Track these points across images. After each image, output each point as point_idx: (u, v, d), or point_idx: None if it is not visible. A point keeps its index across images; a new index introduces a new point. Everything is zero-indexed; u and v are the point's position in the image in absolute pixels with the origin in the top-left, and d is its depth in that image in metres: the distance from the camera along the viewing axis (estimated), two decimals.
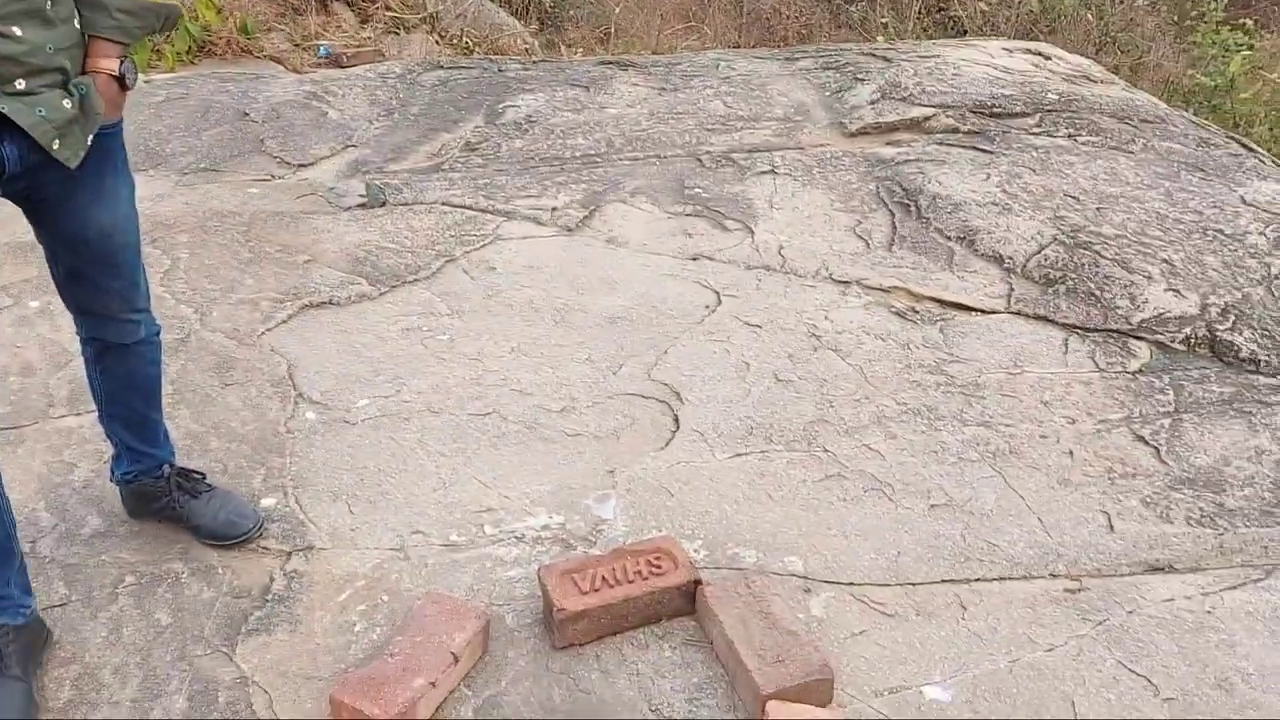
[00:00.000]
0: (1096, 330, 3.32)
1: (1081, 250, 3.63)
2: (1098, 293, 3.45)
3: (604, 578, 2.17)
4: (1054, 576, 2.36)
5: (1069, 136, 4.56)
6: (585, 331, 3.29)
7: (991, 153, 4.42)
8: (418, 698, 1.91)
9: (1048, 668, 2.12)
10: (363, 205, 4.15)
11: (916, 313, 3.42)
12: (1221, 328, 3.25)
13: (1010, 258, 3.68)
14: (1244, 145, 4.70)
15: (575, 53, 8.03)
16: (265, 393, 2.94)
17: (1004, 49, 5.90)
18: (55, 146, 1.84)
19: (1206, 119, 5.77)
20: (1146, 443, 2.81)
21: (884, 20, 9.20)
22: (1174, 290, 3.40)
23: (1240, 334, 3.22)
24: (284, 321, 3.29)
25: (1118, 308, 3.39)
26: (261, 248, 3.74)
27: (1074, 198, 4.00)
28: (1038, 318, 3.39)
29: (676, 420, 2.88)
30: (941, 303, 3.47)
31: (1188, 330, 3.26)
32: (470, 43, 7.96)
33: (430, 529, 2.46)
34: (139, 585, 2.27)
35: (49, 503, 2.49)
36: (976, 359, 3.17)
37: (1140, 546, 2.45)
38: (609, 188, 4.26)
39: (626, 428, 2.84)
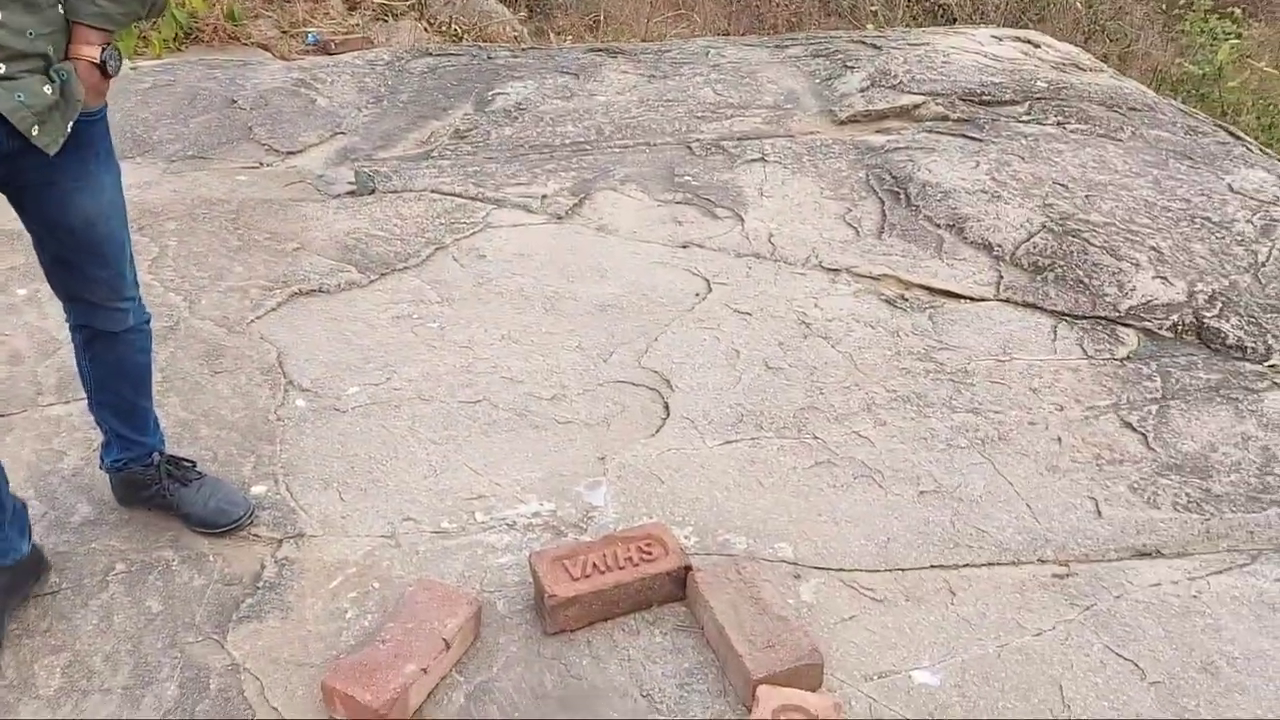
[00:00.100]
0: (1085, 317, 3.34)
1: (1070, 238, 3.64)
2: (1086, 280, 3.47)
3: (595, 564, 2.18)
4: (1042, 562, 2.38)
5: (1058, 124, 4.57)
6: (576, 319, 3.29)
7: (981, 140, 4.43)
8: (410, 684, 1.92)
9: (1036, 652, 2.13)
10: (352, 193, 4.14)
11: (906, 300, 3.43)
12: (1209, 315, 3.27)
13: (999, 245, 3.69)
14: (1232, 133, 4.72)
15: (564, 40, 8.01)
16: (255, 380, 2.93)
17: (993, 36, 5.90)
18: (34, 133, 1.83)
19: (1194, 107, 5.78)
20: (1134, 429, 2.83)
21: (873, 8, 9.20)
22: (1162, 278, 3.42)
23: (1227, 321, 3.24)
24: (273, 309, 3.28)
25: (1106, 295, 3.40)
26: (250, 235, 3.73)
27: (1063, 185, 4.01)
28: (1026, 305, 3.41)
29: (667, 407, 2.88)
30: (931, 290, 3.48)
31: (1175, 317, 3.28)
32: (459, 30, 7.93)
33: (421, 516, 2.46)
34: (129, 573, 2.27)
35: (38, 490, 2.48)
36: (966, 346, 3.18)
37: (1127, 532, 2.47)
38: (599, 175, 4.26)
39: (617, 415, 2.85)
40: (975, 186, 4.02)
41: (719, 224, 3.89)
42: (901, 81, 5.02)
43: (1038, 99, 4.80)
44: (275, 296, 3.34)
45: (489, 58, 5.71)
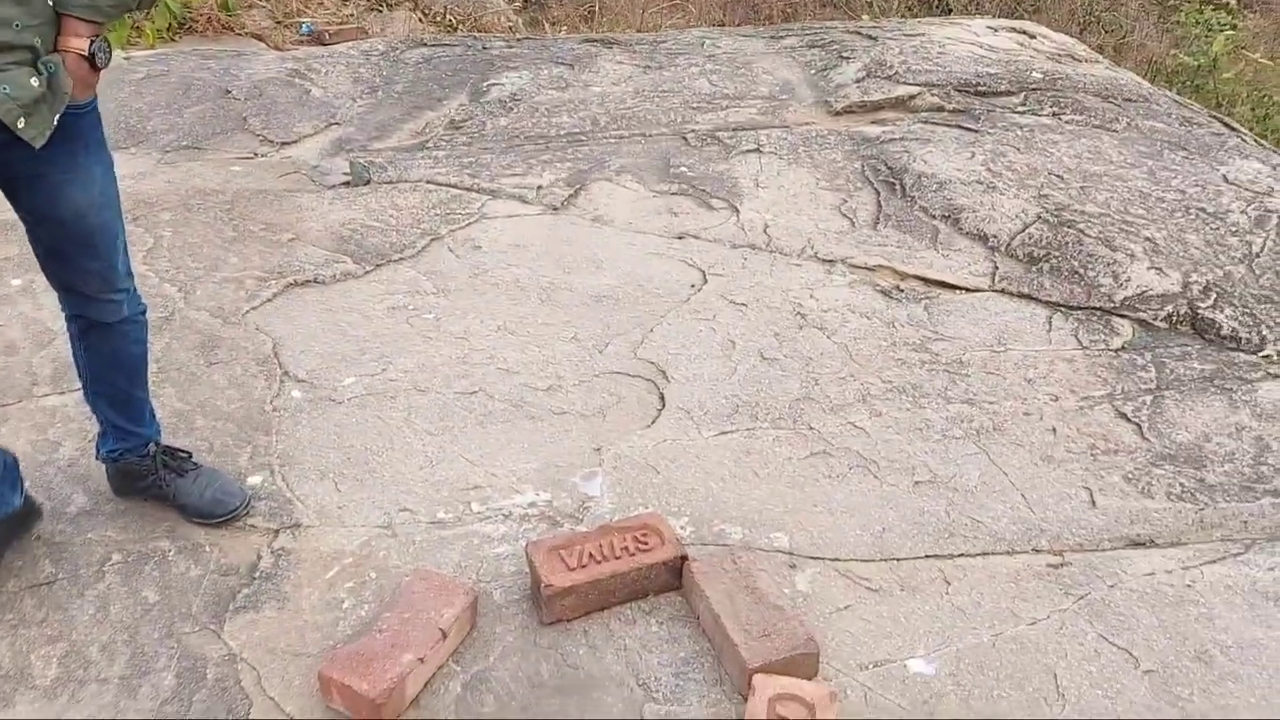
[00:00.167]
0: (1080, 308, 3.34)
1: (1065, 228, 3.65)
2: (1081, 271, 3.47)
3: (591, 554, 2.18)
4: (1037, 551, 2.39)
5: (1053, 115, 4.58)
6: (571, 310, 3.29)
7: (976, 131, 4.43)
8: (406, 673, 1.92)
9: (1030, 641, 2.14)
10: (347, 183, 4.13)
11: (901, 291, 3.43)
12: (1203, 305, 3.27)
13: (995, 236, 3.69)
14: (1226, 124, 4.72)
15: (559, 30, 7.99)
16: (251, 371, 2.93)
17: (989, 27, 5.90)
18: (20, 125, 1.82)
19: (1189, 99, 5.79)
20: (1129, 419, 2.84)
21: None
22: (1156, 268, 3.42)
23: (1221, 312, 3.24)
24: (269, 300, 3.28)
25: (1101, 286, 3.41)
26: (245, 226, 3.72)
27: (1058, 176, 4.01)
28: (1022, 296, 3.41)
29: (662, 398, 2.88)
30: (926, 281, 3.49)
31: (1170, 308, 3.29)
32: (454, 20, 7.91)
33: (418, 507, 2.46)
34: (126, 563, 2.27)
35: (34, 481, 2.47)
36: (961, 337, 3.19)
37: (1122, 521, 2.48)
38: (594, 166, 4.25)
39: (613, 406, 2.85)
40: (970, 177, 4.02)
41: (714, 215, 3.89)
42: (897, 72, 5.02)
43: (1033, 90, 4.81)
44: (270, 287, 3.34)
45: (484, 48, 5.70)
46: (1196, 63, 7.49)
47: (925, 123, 4.56)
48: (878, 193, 4.02)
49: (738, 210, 3.91)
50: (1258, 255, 3.54)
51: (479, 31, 7.52)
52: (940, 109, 4.69)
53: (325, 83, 5.19)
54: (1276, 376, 3.03)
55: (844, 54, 5.35)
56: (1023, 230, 3.68)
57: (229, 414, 2.75)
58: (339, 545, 2.34)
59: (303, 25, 7.20)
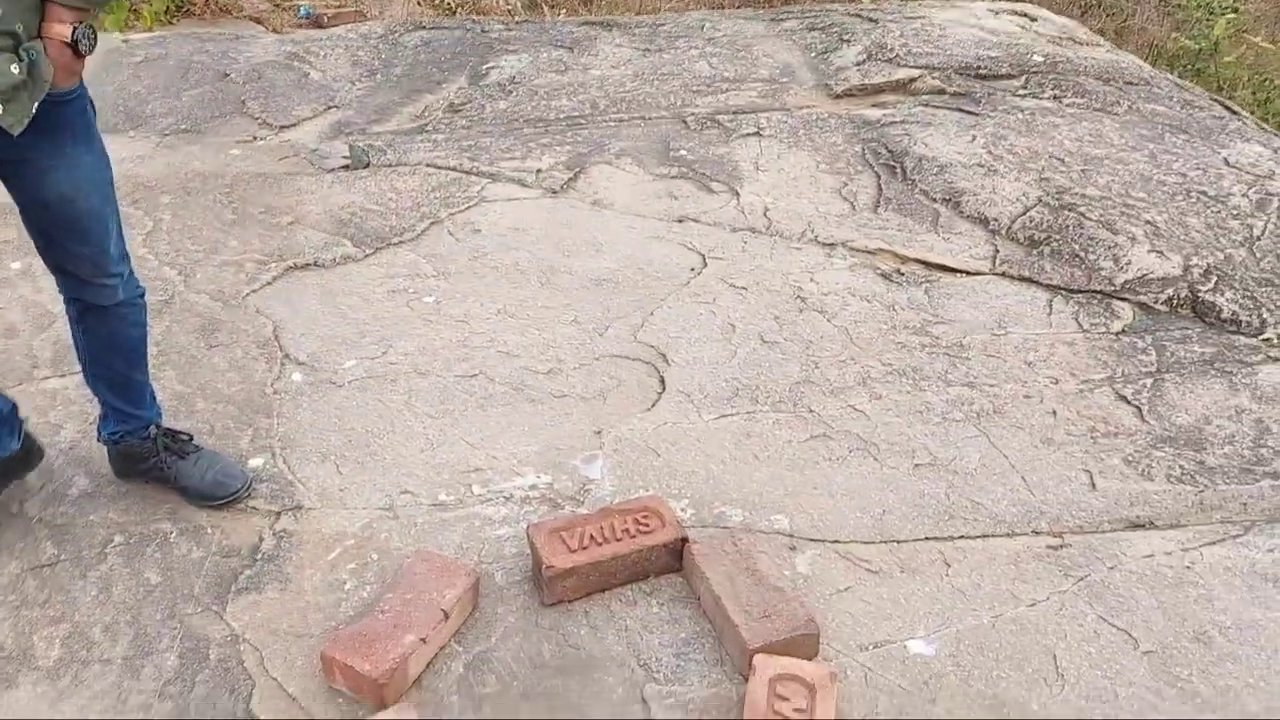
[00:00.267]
0: (1080, 291, 3.34)
1: (1066, 212, 3.64)
2: (1082, 254, 3.47)
3: (592, 536, 2.18)
4: (1037, 533, 2.39)
5: (1054, 98, 4.56)
6: (571, 294, 3.29)
7: (977, 114, 4.42)
8: (409, 653, 1.93)
9: (1030, 622, 2.15)
10: (346, 167, 4.12)
11: (902, 274, 3.43)
12: (1204, 289, 3.27)
13: (995, 219, 3.69)
14: (1228, 108, 4.71)
15: (559, 13, 7.95)
16: (251, 354, 2.93)
17: (990, 10, 5.88)
18: None
19: (1191, 82, 5.77)
20: (1129, 402, 2.84)
21: None
22: (1157, 251, 3.42)
23: (1222, 295, 3.24)
24: (269, 283, 3.28)
25: (1101, 269, 3.40)
26: (245, 209, 3.71)
27: (1059, 159, 4.00)
28: (1022, 279, 3.41)
29: (663, 382, 2.89)
30: (927, 264, 3.49)
31: (1170, 291, 3.29)
32: (452, 3, 7.88)
33: (419, 489, 2.46)
34: (128, 545, 2.27)
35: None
36: (961, 320, 3.19)
37: (1122, 504, 2.49)
38: (594, 150, 4.24)
39: (613, 389, 2.85)
40: (971, 160, 4.01)
41: (714, 198, 3.88)
42: (898, 55, 5.00)
43: (1034, 73, 4.79)
44: (270, 270, 3.33)
45: (483, 31, 5.67)
46: (1198, 46, 7.46)
47: (926, 106, 4.55)
48: (878, 176, 4.02)
49: (738, 194, 3.90)
50: (1258, 238, 3.53)
51: (478, 14, 7.49)
52: (941, 92, 4.68)
53: (324, 66, 5.17)
54: (1276, 359, 3.04)
55: (844, 37, 5.34)
56: (1023, 213, 3.68)
57: (230, 397, 2.75)
58: (341, 527, 2.34)
59: (301, 8, 7.17)
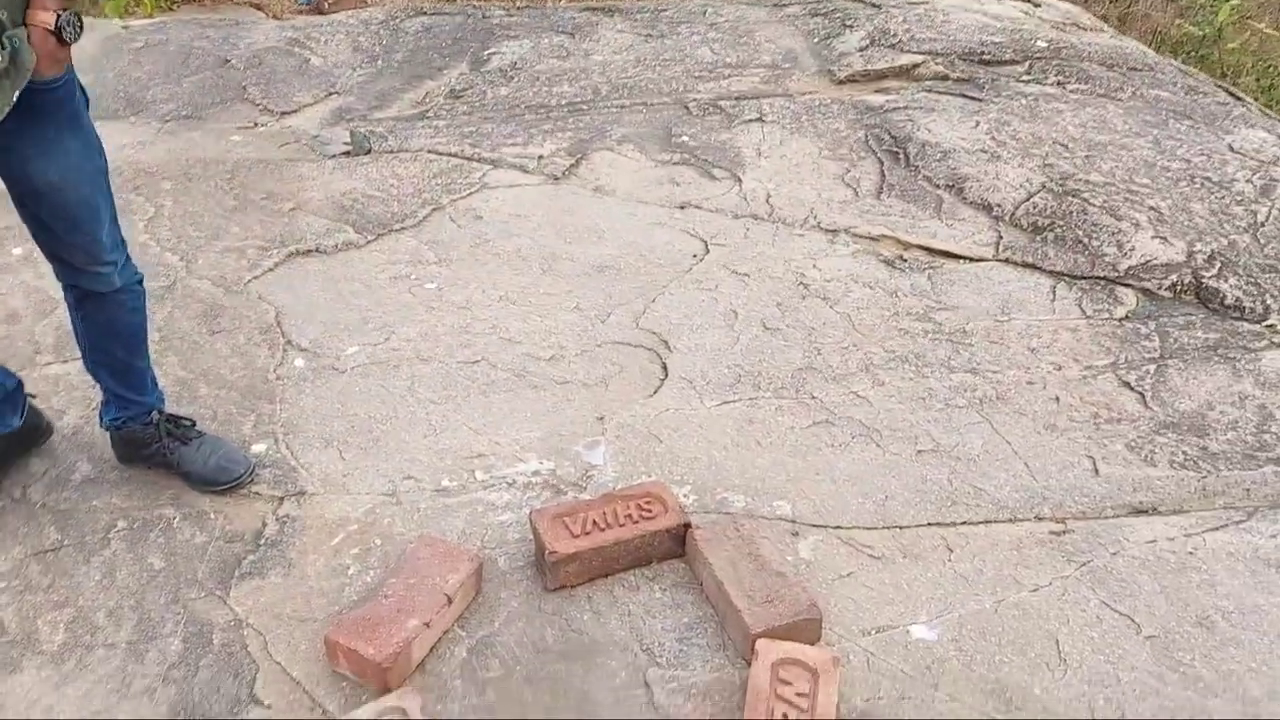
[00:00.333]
0: (1084, 277, 3.33)
1: (1070, 198, 3.63)
2: (1085, 240, 3.46)
3: (595, 521, 2.19)
4: (1039, 519, 2.39)
5: (1058, 84, 4.55)
6: (573, 280, 3.28)
7: (981, 100, 4.41)
8: (412, 638, 1.93)
9: (1032, 607, 2.15)
10: (348, 153, 4.12)
11: (905, 261, 3.42)
12: (1207, 275, 3.26)
13: (999, 205, 3.68)
14: (1231, 94, 4.69)
15: None
16: (254, 340, 2.93)
17: None
18: None
19: (1195, 68, 5.75)
20: (1132, 388, 2.84)
21: None
22: (1161, 237, 3.41)
23: (1226, 281, 3.24)
24: (271, 269, 3.27)
25: (1105, 255, 3.40)
26: (246, 195, 3.71)
27: (1063, 145, 3.99)
28: (1026, 265, 3.40)
29: (665, 368, 2.88)
30: (930, 250, 3.48)
31: (1174, 277, 3.28)
32: None
33: (422, 475, 2.46)
34: (131, 530, 2.28)
35: (39, 449, 2.48)
36: (964, 306, 3.18)
37: (1124, 489, 2.49)
38: (595, 136, 4.23)
39: (615, 375, 2.85)
40: (975, 146, 4.00)
41: (717, 185, 3.87)
42: (901, 40, 4.98)
43: (1038, 58, 4.77)
44: (272, 256, 3.33)
45: (484, 16, 5.65)
46: (1202, 32, 7.43)
47: (929, 92, 4.53)
48: (881, 162, 4.01)
49: (740, 180, 3.89)
50: (1263, 224, 3.52)
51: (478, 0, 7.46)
52: (944, 78, 4.66)
53: (325, 52, 5.15)
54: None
55: (847, 22, 5.32)
56: (1027, 199, 3.67)
57: (232, 382, 2.75)
58: (344, 512, 2.35)
59: None
